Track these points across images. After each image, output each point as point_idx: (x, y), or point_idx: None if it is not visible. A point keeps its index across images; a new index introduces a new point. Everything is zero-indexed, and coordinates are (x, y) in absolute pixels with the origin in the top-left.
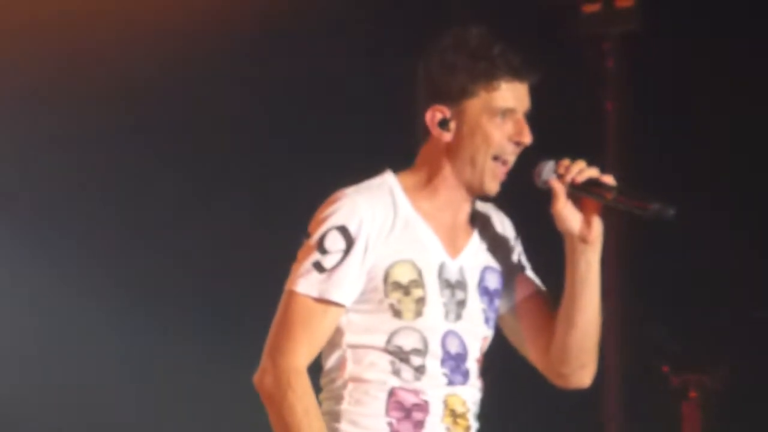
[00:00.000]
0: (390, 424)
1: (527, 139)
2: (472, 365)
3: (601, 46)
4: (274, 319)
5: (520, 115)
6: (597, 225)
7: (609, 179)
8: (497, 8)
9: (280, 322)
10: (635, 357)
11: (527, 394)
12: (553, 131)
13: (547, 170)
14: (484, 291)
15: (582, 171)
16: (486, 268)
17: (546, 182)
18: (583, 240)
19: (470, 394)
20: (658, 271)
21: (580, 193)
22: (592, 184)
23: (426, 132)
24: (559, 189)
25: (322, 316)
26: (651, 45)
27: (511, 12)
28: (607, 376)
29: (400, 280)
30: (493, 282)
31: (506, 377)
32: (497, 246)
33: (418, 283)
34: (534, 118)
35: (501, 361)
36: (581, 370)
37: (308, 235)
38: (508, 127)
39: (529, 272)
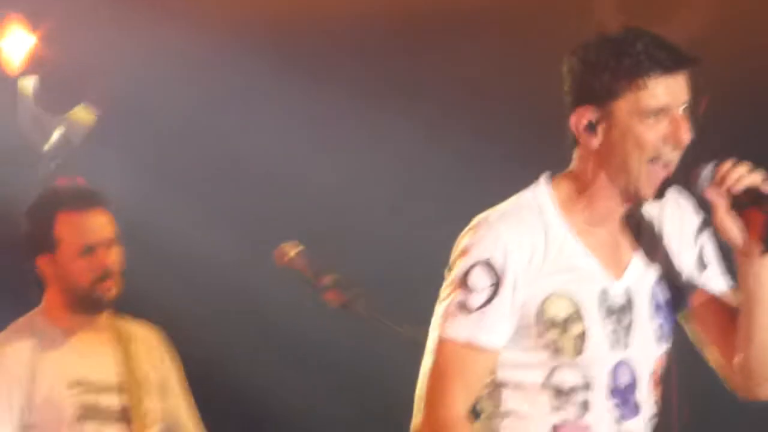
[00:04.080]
0: None
1: (685, 138)
2: (643, 395)
3: None
4: (426, 366)
5: (676, 112)
6: (759, 237)
7: None
8: None
9: (431, 372)
10: None
11: None
12: None
13: (704, 178)
14: (658, 307)
15: (740, 179)
16: (657, 281)
17: (702, 192)
18: (744, 253)
19: (642, 428)
20: None
21: (740, 203)
22: (753, 194)
23: (575, 136)
24: (717, 200)
25: (474, 361)
26: None
27: None
28: None
29: (556, 317)
30: (668, 293)
31: None
32: (670, 248)
33: (577, 317)
34: None
35: None
36: (765, 383)
37: (450, 269)
38: (663, 126)
39: (711, 271)
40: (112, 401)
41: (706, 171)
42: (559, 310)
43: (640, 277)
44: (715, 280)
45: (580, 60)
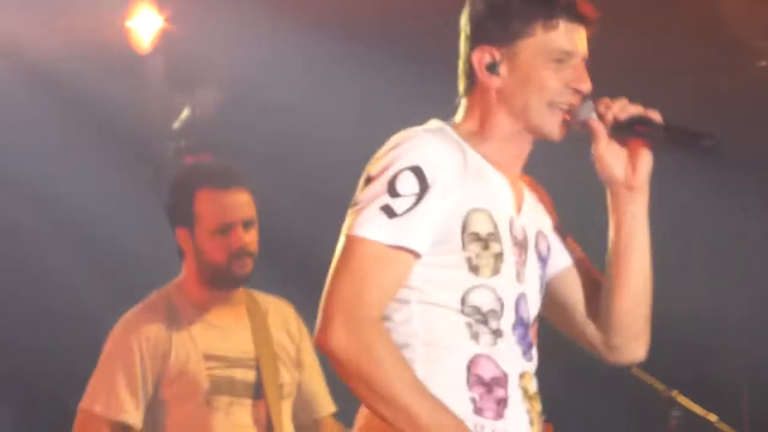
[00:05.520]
0: (473, 401)
1: (587, 86)
2: (532, 337)
3: None
4: (334, 269)
5: (578, 61)
6: (644, 168)
7: (655, 115)
8: None
9: (345, 271)
10: None
11: None
12: None
13: (585, 109)
14: (539, 256)
15: (625, 108)
16: (539, 232)
17: (584, 122)
18: (629, 187)
19: (534, 372)
20: None
21: (624, 133)
22: (638, 122)
23: (471, 78)
24: (600, 129)
25: (394, 264)
26: None
27: None
28: None
29: (479, 231)
30: (544, 248)
31: None
32: (542, 209)
33: (496, 236)
34: None
35: None
36: (634, 341)
37: (369, 177)
38: (566, 72)
39: (570, 240)
40: (246, 375)
41: (586, 104)
42: (481, 225)
43: (530, 221)
44: (576, 246)
45: (488, 1)
